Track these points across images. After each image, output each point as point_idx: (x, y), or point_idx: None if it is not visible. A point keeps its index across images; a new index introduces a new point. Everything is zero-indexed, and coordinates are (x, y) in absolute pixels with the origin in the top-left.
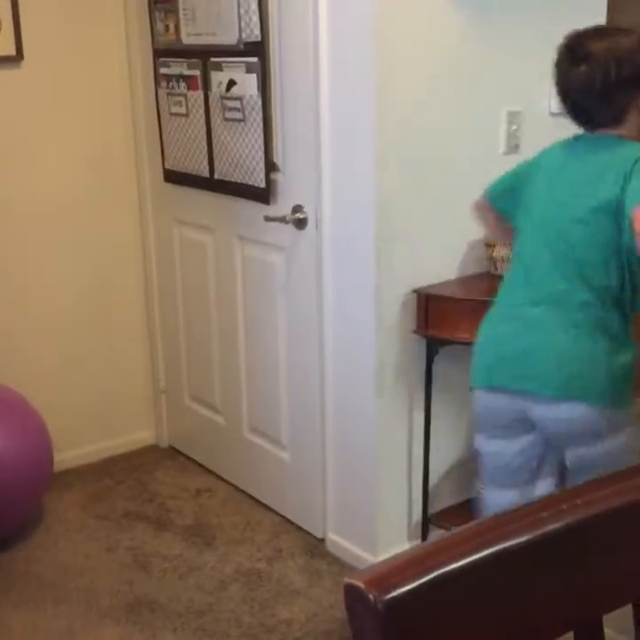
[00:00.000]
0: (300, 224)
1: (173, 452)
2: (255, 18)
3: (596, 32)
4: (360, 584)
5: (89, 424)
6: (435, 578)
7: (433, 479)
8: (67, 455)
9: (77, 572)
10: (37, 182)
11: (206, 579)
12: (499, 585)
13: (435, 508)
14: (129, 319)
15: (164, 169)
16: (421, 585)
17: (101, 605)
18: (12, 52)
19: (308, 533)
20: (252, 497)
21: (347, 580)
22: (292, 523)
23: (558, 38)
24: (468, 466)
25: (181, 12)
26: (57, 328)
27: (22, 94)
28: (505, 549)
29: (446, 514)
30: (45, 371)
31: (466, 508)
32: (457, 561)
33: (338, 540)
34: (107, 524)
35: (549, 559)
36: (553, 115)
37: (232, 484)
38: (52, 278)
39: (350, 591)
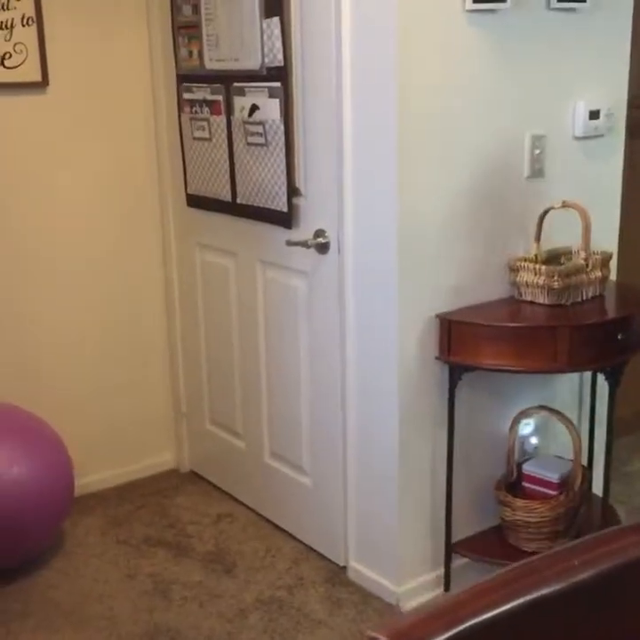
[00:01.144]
0: (322, 248)
1: (194, 476)
2: (278, 43)
3: None
4: (383, 637)
5: (110, 448)
6: (460, 632)
7: (456, 507)
8: (87, 480)
9: (97, 598)
10: (61, 208)
11: (226, 607)
12: (526, 638)
13: (458, 536)
14: (150, 343)
15: (186, 194)
16: (446, 639)
17: (121, 632)
18: (38, 78)
19: (330, 561)
20: (272, 523)
21: (369, 632)
22: (313, 550)
23: (582, 60)
24: (492, 493)
25: (205, 38)
26: (78, 353)
27: (47, 120)
28: (534, 600)
29: (470, 542)
30: (66, 395)
31: (489, 537)
32: (483, 613)
33: (360, 569)
34: (127, 549)
35: (583, 608)
36: (577, 139)
37: (253, 510)
38: (74, 303)
39: None
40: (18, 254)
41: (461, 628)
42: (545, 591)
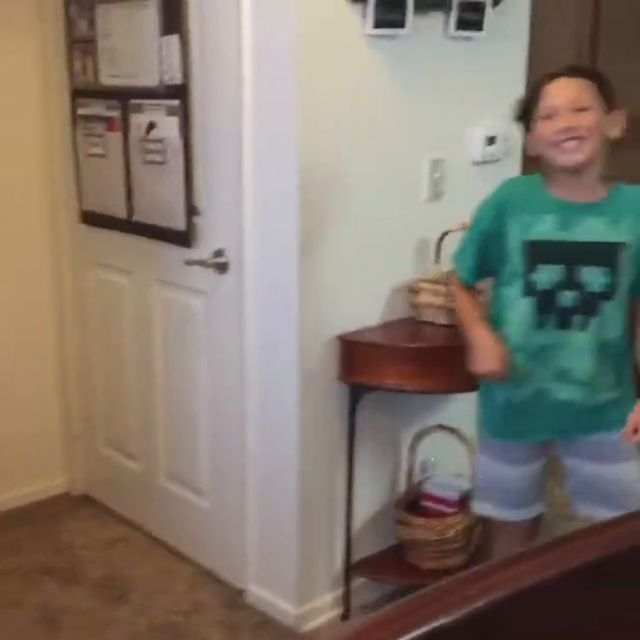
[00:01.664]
0: (222, 268)
1: (87, 500)
2: (177, 61)
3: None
4: None
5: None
6: None
7: (357, 527)
8: None
9: None
10: None
11: (120, 634)
12: None
13: (358, 555)
14: (41, 363)
15: (81, 210)
16: None
17: None
18: None
19: (228, 585)
20: (169, 547)
21: None
22: (211, 574)
23: (480, 87)
24: (391, 513)
25: (100, 53)
26: None
27: None
28: (433, 631)
29: (369, 562)
30: None
31: (389, 556)
32: None
33: (258, 592)
34: (13, 578)
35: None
36: (475, 163)
37: (149, 534)
38: None
39: None
40: None
41: None
42: (441, 622)
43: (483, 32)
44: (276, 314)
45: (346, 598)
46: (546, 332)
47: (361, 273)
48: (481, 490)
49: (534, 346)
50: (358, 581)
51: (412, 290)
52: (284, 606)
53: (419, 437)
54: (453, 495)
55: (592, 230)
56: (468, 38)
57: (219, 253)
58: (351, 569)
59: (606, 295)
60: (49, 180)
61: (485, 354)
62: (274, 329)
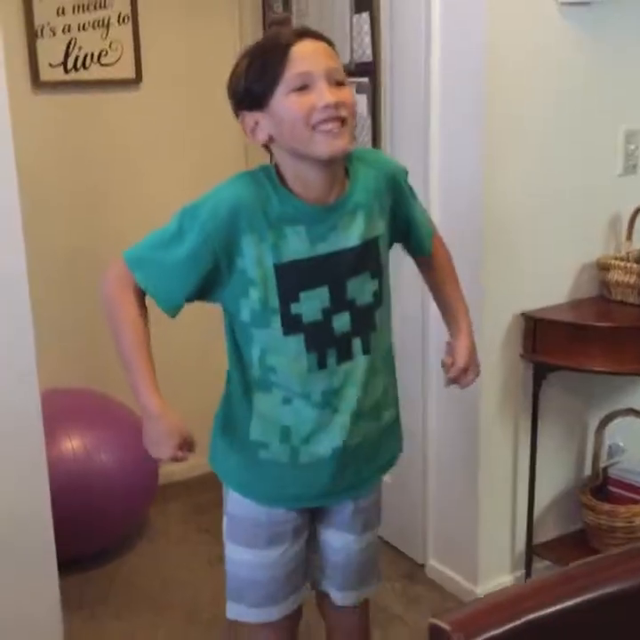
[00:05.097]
0: None
1: None
2: (367, 39)
3: None
4: (445, 626)
5: (195, 436)
6: (522, 625)
7: (538, 509)
8: (172, 468)
9: (179, 585)
10: (153, 199)
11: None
12: (590, 635)
13: (539, 538)
14: None
15: None
16: (508, 631)
17: (202, 618)
18: (132, 75)
19: (409, 558)
20: None
21: (431, 620)
22: (391, 546)
23: None
24: (575, 497)
25: None
26: (164, 342)
27: (141, 115)
28: (599, 597)
29: (551, 545)
30: None
31: (572, 540)
32: (546, 608)
33: (438, 567)
34: (208, 537)
35: None
36: None
37: None
38: None
39: (435, 633)
40: (107, 240)
41: (523, 620)
42: (611, 589)
43: None
44: None
45: (527, 580)
46: (329, 372)
47: (549, 248)
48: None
49: (320, 393)
50: (540, 564)
51: (603, 267)
52: (463, 583)
53: (607, 420)
54: None
55: (352, 233)
56: None
57: None
58: (533, 551)
59: (378, 302)
60: (244, 157)
61: (163, 438)
62: None
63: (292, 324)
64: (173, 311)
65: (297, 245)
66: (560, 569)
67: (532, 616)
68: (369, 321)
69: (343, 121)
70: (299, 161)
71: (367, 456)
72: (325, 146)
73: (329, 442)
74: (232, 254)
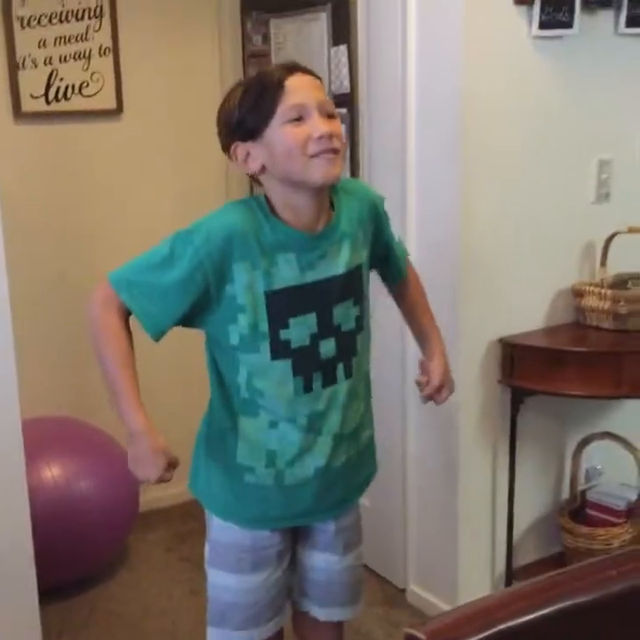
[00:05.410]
0: None
1: None
2: (345, 70)
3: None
4: (421, 636)
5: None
6: (495, 634)
7: (517, 532)
8: (153, 496)
9: (159, 613)
10: (134, 225)
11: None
12: None
13: (519, 562)
14: None
15: None
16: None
17: None
18: (113, 105)
19: (389, 583)
20: None
21: (407, 630)
22: (372, 571)
23: None
24: (554, 520)
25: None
26: (145, 371)
27: (122, 145)
28: (569, 607)
29: (531, 568)
30: None
31: (551, 564)
32: (518, 617)
33: (419, 592)
34: (190, 566)
35: (617, 619)
36: None
37: None
38: None
39: None
40: (90, 268)
41: (495, 629)
42: (579, 600)
43: None
44: (436, 317)
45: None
46: (313, 396)
47: (525, 275)
48: None
49: (305, 416)
50: None
51: (578, 293)
52: (444, 608)
53: (584, 444)
54: (620, 505)
55: (339, 262)
56: (638, 35)
57: None
58: (513, 574)
59: (360, 327)
60: (225, 184)
61: (149, 459)
62: None
63: (280, 350)
64: (159, 335)
65: (288, 273)
66: (533, 580)
67: (504, 625)
68: (352, 346)
69: (336, 151)
70: (290, 189)
71: (348, 476)
72: (320, 172)
73: (312, 463)
74: (223, 281)
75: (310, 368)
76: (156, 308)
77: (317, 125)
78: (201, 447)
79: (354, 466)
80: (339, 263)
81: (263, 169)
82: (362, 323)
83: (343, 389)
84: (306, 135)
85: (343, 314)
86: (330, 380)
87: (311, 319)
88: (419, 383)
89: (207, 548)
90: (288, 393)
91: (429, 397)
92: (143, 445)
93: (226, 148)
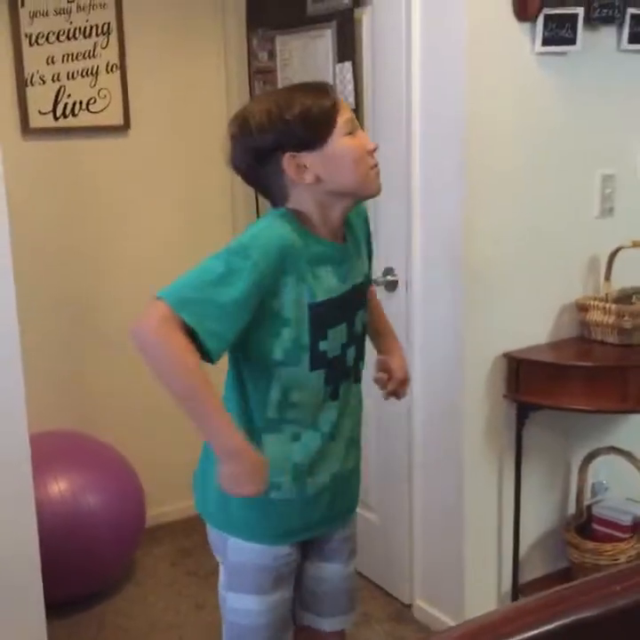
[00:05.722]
0: (391, 286)
1: None
2: (350, 86)
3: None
4: None
5: (181, 480)
6: None
7: (523, 548)
8: (159, 511)
9: (166, 627)
10: (141, 239)
11: None
12: None
13: (525, 577)
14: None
15: None
16: None
17: None
18: (120, 122)
19: (396, 599)
20: None
21: None
22: (378, 587)
23: None
24: (560, 535)
25: (280, 82)
26: (153, 386)
27: (129, 161)
28: (575, 622)
29: (537, 584)
30: (139, 426)
31: (557, 579)
32: (524, 632)
33: (425, 607)
34: (196, 580)
35: (622, 634)
36: None
37: None
38: None
39: None
40: (97, 283)
41: None
42: (585, 615)
43: None
44: (442, 330)
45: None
46: (338, 402)
47: (530, 290)
48: None
49: (329, 423)
50: None
51: (582, 308)
52: (450, 623)
53: (589, 459)
54: (626, 520)
55: (359, 271)
56: None
57: (388, 272)
58: (519, 590)
59: (365, 332)
60: (230, 199)
61: (252, 474)
62: (441, 345)
63: (318, 361)
64: (220, 355)
65: (328, 284)
66: (538, 595)
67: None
68: (362, 350)
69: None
70: (331, 202)
71: (354, 481)
72: (376, 184)
73: (329, 469)
74: (270, 295)
75: (338, 376)
76: (219, 326)
77: (368, 140)
78: (211, 470)
79: (357, 471)
80: (359, 273)
81: (317, 180)
82: (366, 328)
83: (354, 394)
84: (364, 148)
85: (360, 321)
86: (349, 385)
87: (343, 329)
88: (379, 380)
89: (223, 572)
90: (319, 401)
91: (393, 393)
92: (246, 463)
93: (265, 157)
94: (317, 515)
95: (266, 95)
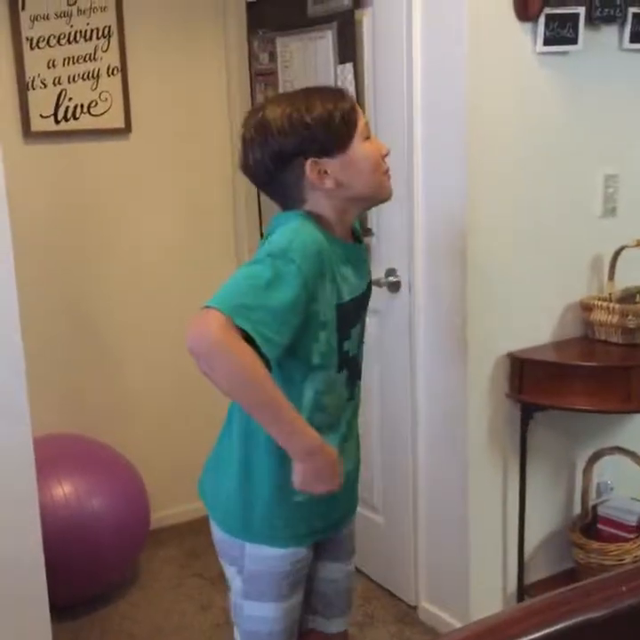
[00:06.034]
0: (394, 287)
1: None
2: (351, 88)
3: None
4: None
5: (185, 482)
6: None
7: (528, 548)
8: (163, 513)
9: (171, 631)
10: (143, 242)
11: None
12: None
13: (530, 578)
14: None
15: (261, 230)
16: None
17: None
18: (122, 125)
19: (400, 600)
20: None
21: None
22: (384, 589)
23: None
24: (565, 536)
25: (281, 84)
26: (155, 389)
27: (130, 163)
28: (581, 623)
29: (543, 585)
30: (144, 429)
31: (563, 580)
32: (532, 633)
33: (431, 609)
34: (201, 582)
35: (628, 634)
36: None
37: None
38: (150, 338)
39: None
40: (99, 286)
41: None
42: (590, 615)
43: None
44: (446, 331)
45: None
46: (353, 402)
47: (534, 290)
48: None
49: (345, 423)
50: None
51: (586, 307)
52: (456, 625)
53: (594, 459)
54: (631, 520)
55: (368, 272)
56: None
57: (390, 273)
58: (524, 591)
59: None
60: (232, 203)
61: (332, 469)
62: (444, 346)
63: (343, 361)
64: (276, 357)
65: (351, 285)
66: (544, 595)
67: None
68: (362, 350)
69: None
70: (348, 205)
71: (358, 479)
72: (389, 188)
73: (344, 467)
74: (311, 298)
75: (355, 375)
76: (273, 331)
77: (382, 144)
78: (234, 483)
79: (359, 468)
80: (368, 273)
81: (337, 186)
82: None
83: (359, 393)
84: (379, 152)
85: (365, 319)
86: (359, 384)
87: (359, 328)
88: None
89: (238, 581)
90: (342, 403)
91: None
92: (327, 458)
93: (284, 161)
94: (335, 514)
95: (280, 98)
